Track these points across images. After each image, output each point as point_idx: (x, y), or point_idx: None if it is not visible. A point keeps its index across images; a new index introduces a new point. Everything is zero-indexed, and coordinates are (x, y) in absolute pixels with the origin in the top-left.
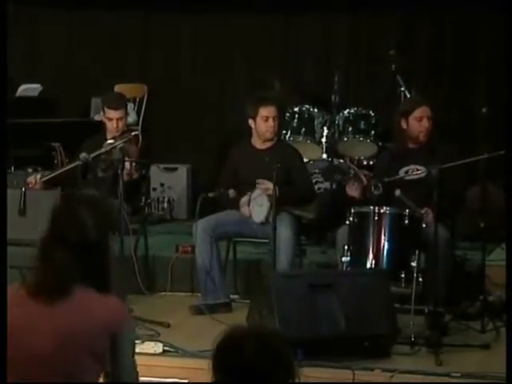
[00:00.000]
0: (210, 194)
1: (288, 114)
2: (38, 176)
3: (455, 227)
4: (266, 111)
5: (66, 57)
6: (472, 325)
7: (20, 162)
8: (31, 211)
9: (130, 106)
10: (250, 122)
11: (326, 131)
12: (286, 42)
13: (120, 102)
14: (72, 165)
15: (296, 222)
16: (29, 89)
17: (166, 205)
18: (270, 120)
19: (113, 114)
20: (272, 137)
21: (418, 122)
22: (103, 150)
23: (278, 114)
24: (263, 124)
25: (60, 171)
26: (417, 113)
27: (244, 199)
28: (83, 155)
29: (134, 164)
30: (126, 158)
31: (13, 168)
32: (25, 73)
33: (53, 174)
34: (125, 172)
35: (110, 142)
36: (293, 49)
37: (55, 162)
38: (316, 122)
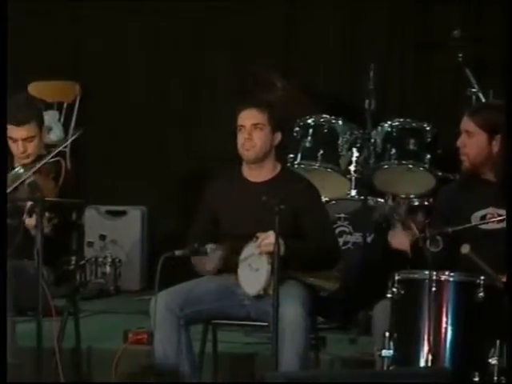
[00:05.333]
0: (178, 253)
1: (297, 129)
2: None
3: None
4: (242, 118)
5: None
6: None
7: None
8: None
9: (53, 115)
10: None
11: (355, 154)
12: (291, 21)
13: (28, 113)
14: None
15: (309, 296)
16: None
17: (108, 269)
18: (248, 129)
19: (16, 131)
20: (252, 158)
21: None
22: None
23: (271, 123)
24: (238, 138)
25: None
26: (461, 125)
27: (227, 258)
28: None
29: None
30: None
31: None
32: None
33: None
34: (28, 221)
35: (13, 173)
36: (301, 31)
37: None
38: (341, 141)
